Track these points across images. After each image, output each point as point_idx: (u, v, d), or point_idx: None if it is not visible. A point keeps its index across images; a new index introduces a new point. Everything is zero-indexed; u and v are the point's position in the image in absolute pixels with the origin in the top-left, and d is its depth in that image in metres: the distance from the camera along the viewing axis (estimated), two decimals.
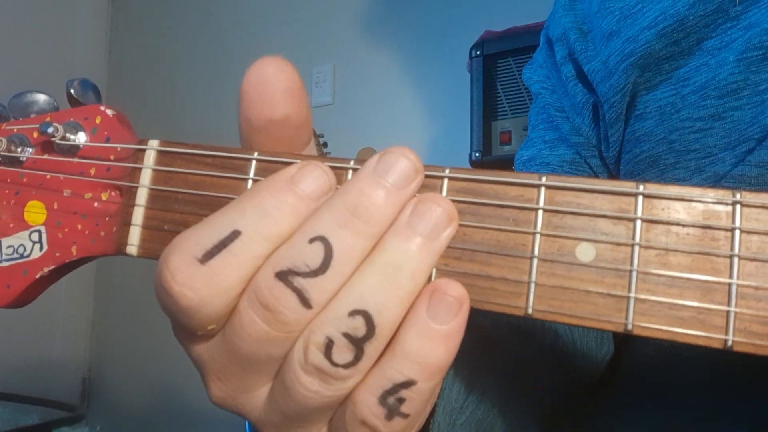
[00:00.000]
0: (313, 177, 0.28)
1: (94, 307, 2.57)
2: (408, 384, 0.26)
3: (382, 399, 0.26)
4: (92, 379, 2.53)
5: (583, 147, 0.55)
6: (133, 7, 2.69)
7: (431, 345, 0.26)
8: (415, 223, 0.27)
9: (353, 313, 0.26)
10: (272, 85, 0.29)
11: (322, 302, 0.26)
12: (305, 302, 0.26)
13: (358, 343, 0.26)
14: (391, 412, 0.26)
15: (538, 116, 0.60)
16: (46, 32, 2.37)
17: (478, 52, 1.56)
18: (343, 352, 0.26)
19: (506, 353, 0.42)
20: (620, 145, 0.52)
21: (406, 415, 0.26)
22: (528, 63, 0.63)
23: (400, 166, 0.27)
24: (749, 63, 0.43)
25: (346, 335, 0.26)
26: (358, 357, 0.26)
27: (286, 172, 0.28)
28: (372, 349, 0.26)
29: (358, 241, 0.26)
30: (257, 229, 0.26)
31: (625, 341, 0.51)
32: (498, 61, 1.54)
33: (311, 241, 0.26)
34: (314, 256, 0.26)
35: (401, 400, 0.26)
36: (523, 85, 1.48)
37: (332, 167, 0.29)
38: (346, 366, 0.26)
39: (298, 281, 0.26)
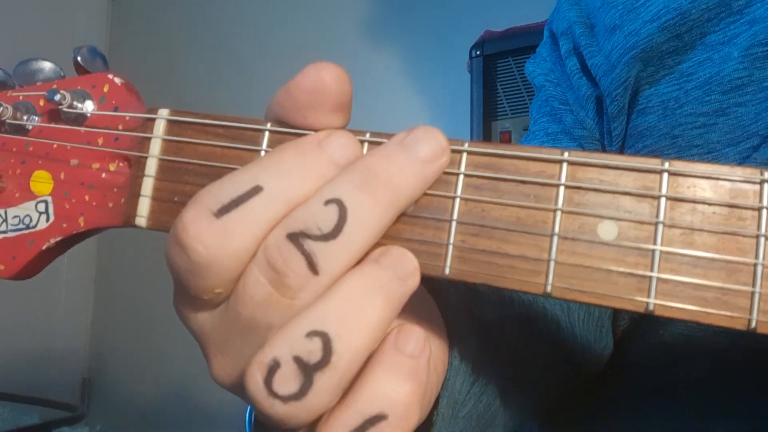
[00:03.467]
0: (342, 143, 0.27)
1: (94, 307, 2.55)
2: (380, 417, 0.24)
3: None
4: (92, 379, 2.51)
5: (586, 140, 0.55)
6: (133, 6, 2.68)
7: (402, 377, 0.25)
8: (385, 261, 0.26)
9: (311, 334, 0.24)
10: (326, 95, 0.27)
11: (330, 271, 0.25)
12: (313, 267, 0.24)
13: (308, 371, 0.23)
14: None
15: (540, 109, 0.60)
16: (46, 32, 2.34)
17: (478, 52, 1.56)
18: (287, 380, 0.23)
19: (509, 346, 0.42)
20: (623, 139, 0.52)
21: None
22: (531, 57, 0.63)
23: (429, 140, 0.27)
24: (754, 59, 0.43)
25: (297, 359, 0.23)
26: (304, 390, 0.23)
27: (315, 137, 0.27)
28: (323, 382, 0.24)
29: (375, 207, 0.25)
30: (279, 187, 0.25)
31: (624, 339, 0.51)
32: (498, 61, 1.54)
33: (327, 203, 0.25)
34: (328, 219, 0.25)
35: None
36: (524, 85, 1.48)
37: None
38: (285, 399, 0.23)
39: (309, 244, 0.24)
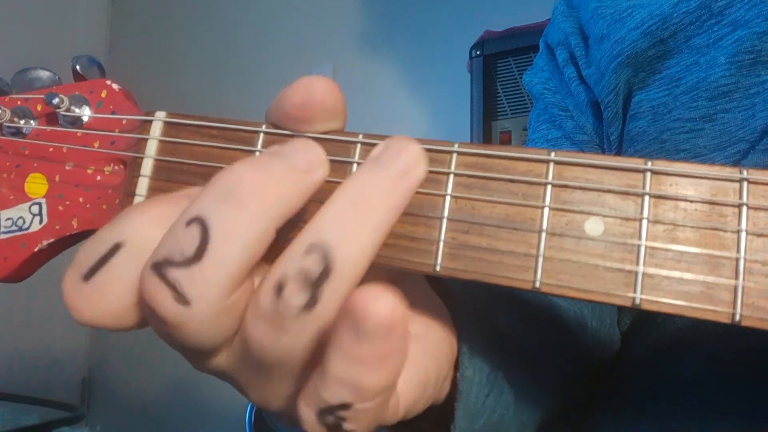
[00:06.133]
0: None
1: None
2: (345, 407, 0.23)
3: (321, 417, 0.23)
4: (92, 379, 2.51)
5: (587, 145, 0.55)
6: (133, 6, 2.69)
7: (362, 368, 0.22)
8: (385, 160, 0.25)
9: (309, 249, 0.23)
10: (316, 109, 0.27)
11: (203, 297, 0.23)
12: (180, 298, 0.23)
13: (314, 285, 0.22)
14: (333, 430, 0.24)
15: (539, 117, 0.61)
16: (46, 32, 2.35)
17: (478, 52, 1.56)
18: (294, 294, 0.22)
19: (521, 351, 0.42)
20: (619, 144, 0.53)
21: None
22: (528, 69, 0.64)
23: (305, 150, 0.26)
24: (740, 66, 0.43)
25: (300, 274, 0.22)
26: (312, 302, 0.22)
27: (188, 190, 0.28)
28: (330, 292, 0.22)
29: (242, 219, 0.23)
30: (138, 235, 0.25)
31: (623, 340, 0.51)
32: (498, 61, 1.54)
33: (188, 223, 0.23)
34: (190, 241, 0.23)
35: (341, 420, 0.23)
36: (524, 85, 1.48)
37: (339, 141, 0.29)
38: (296, 310, 0.23)
39: (172, 273, 0.23)
